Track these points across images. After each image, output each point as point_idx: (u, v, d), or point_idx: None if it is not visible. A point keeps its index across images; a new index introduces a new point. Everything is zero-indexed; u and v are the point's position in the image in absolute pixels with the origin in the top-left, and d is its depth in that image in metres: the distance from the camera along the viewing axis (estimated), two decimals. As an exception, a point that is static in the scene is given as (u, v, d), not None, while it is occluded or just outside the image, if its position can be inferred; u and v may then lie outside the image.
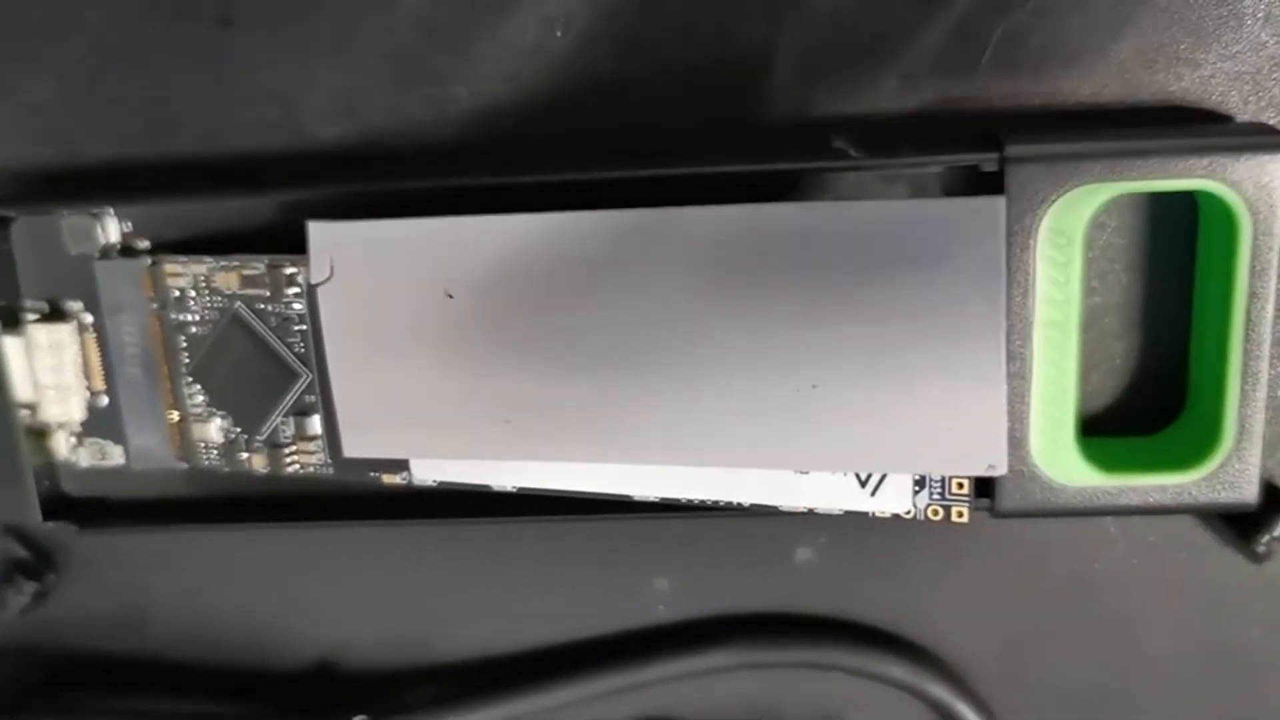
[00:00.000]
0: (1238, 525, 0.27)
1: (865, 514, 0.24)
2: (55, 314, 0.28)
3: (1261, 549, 0.27)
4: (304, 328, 0.26)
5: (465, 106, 0.26)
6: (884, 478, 0.24)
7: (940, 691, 0.29)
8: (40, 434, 0.28)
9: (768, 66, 0.26)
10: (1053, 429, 0.25)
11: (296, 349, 0.26)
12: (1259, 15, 0.25)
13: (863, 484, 0.24)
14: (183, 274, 0.26)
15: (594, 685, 0.29)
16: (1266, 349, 0.24)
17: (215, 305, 0.26)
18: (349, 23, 0.26)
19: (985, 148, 0.24)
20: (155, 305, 0.27)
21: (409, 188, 0.25)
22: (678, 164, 0.24)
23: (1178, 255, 0.26)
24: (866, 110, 0.26)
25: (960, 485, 0.24)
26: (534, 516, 0.27)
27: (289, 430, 0.27)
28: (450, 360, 0.24)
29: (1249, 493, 0.25)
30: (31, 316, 0.27)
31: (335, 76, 0.26)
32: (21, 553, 0.30)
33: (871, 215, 0.22)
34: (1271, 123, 0.25)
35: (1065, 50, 0.25)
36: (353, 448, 0.26)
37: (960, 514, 0.24)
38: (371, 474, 0.26)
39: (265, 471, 0.27)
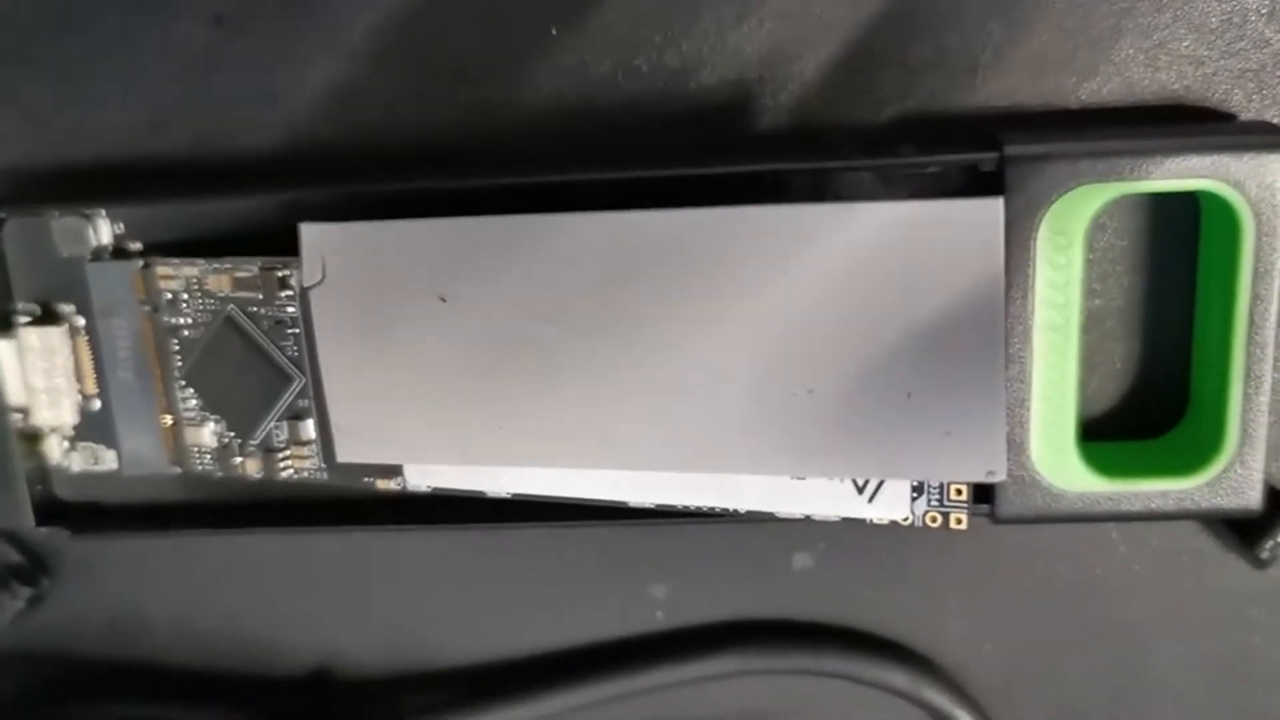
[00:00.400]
0: (1241, 531, 0.27)
1: (863, 520, 0.24)
2: (47, 316, 0.27)
3: (1265, 554, 0.27)
4: (297, 331, 0.26)
5: (458, 106, 0.26)
6: (881, 484, 0.23)
7: (939, 699, 0.28)
8: (32, 438, 0.28)
9: (767, 68, 0.25)
10: (1053, 433, 0.25)
11: (290, 352, 0.26)
12: (1263, 11, 0.24)
13: (860, 490, 0.24)
14: (175, 276, 0.26)
15: (592, 692, 0.29)
16: (1270, 352, 0.24)
17: (208, 308, 0.26)
18: (341, 22, 0.26)
19: (984, 147, 0.23)
20: (148, 308, 0.26)
21: (402, 189, 0.25)
22: (674, 166, 0.24)
23: (1180, 257, 0.26)
24: (865, 111, 0.25)
25: (959, 492, 0.23)
26: (529, 523, 0.27)
27: (283, 435, 0.26)
28: (444, 364, 0.24)
29: (1252, 498, 0.25)
30: (23, 319, 0.27)
31: (328, 76, 0.26)
32: (15, 558, 0.30)
33: (869, 217, 0.21)
34: (1275, 121, 0.25)
35: (1065, 49, 0.25)
36: (346, 452, 0.25)
37: (959, 520, 0.24)
38: (365, 479, 0.26)
39: (259, 476, 0.27)
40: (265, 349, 0.26)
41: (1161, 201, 0.25)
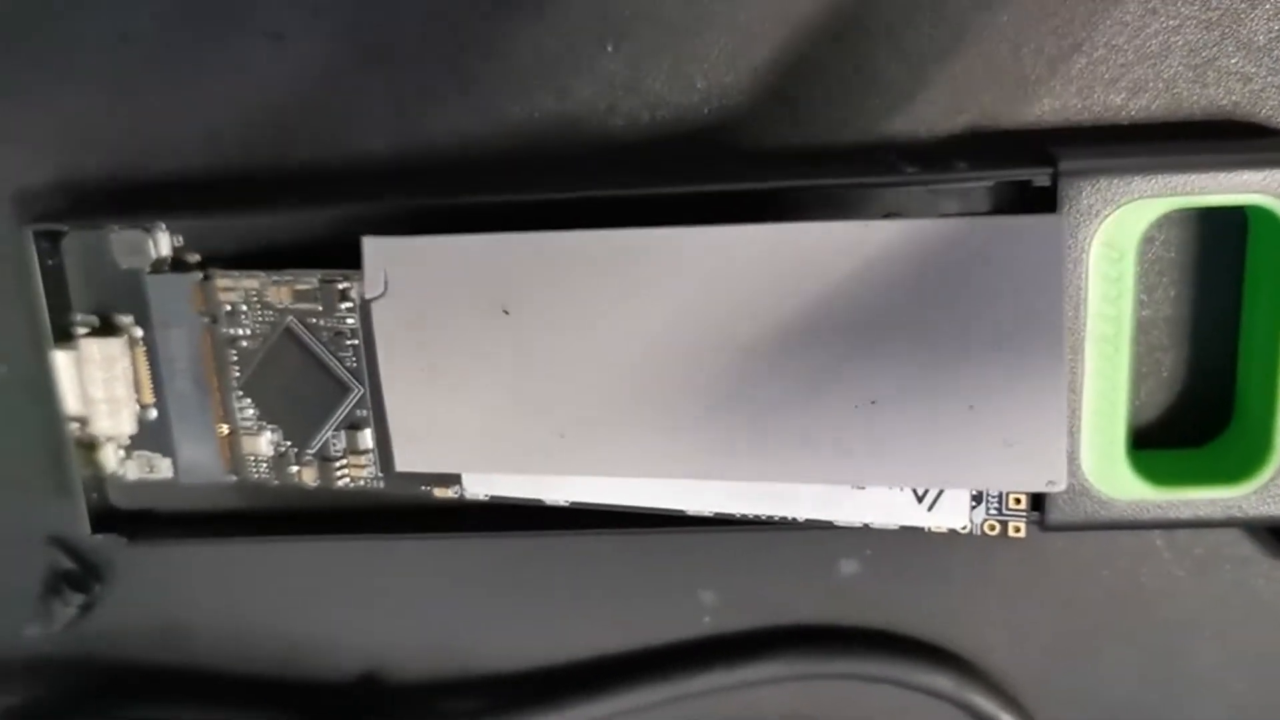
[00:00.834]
0: (1284, 538, 0.27)
1: (921, 529, 0.24)
2: (105, 327, 0.28)
3: (1308, 562, 0.27)
4: (356, 342, 0.26)
5: (515, 121, 0.26)
6: (941, 493, 0.24)
7: (985, 703, 0.29)
8: (89, 447, 0.28)
9: (822, 85, 0.26)
10: (1104, 443, 0.25)
11: (349, 363, 0.26)
12: (1310, 30, 0.25)
13: (920, 499, 0.24)
14: (234, 288, 0.26)
15: (639, 697, 0.30)
16: (1318, 362, 0.24)
17: (267, 319, 0.26)
18: (398, 37, 0.26)
19: (1037, 163, 0.24)
20: (206, 319, 0.27)
21: (461, 203, 0.25)
22: (732, 180, 0.24)
23: (1226, 268, 0.26)
24: (918, 127, 0.26)
25: (1017, 501, 0.24)
26: (582, 530, 0.27)
27: (340, 444, 0.27)
28: (505, 375, 0.24)
29: (1299, 506, 0.25)
30: (81, 330, 0.28)
31: (387, 91, 0.27)
32: (68, 565, 0.30)
33: (932, 233, 0.22)
34: (1321, 137, 0.25)
35: (1115, 65, 0.25)
36: (405, 462, 0.26)
37: (1017, 529, 0.24)
38: (423, 487, 0.27)
39: (315, 485, 0.27)
40: (324, 360, 0.26)
41: (1209, 214, 0.26)
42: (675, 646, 0.30)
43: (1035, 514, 0.25)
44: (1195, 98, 0.25)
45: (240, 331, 0.27)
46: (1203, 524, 0.26)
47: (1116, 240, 0.24)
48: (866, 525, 0.24)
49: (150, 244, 0.27)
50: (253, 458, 0.28)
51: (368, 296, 0.25)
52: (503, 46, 0.26)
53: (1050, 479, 0.22)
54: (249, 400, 0.27)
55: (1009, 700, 0.29)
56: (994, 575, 0.29)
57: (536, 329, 0.24)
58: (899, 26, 0.25)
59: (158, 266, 0.27)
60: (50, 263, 0.27)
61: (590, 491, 0.26)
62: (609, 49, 0.26)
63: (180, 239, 0.27)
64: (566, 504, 0.26)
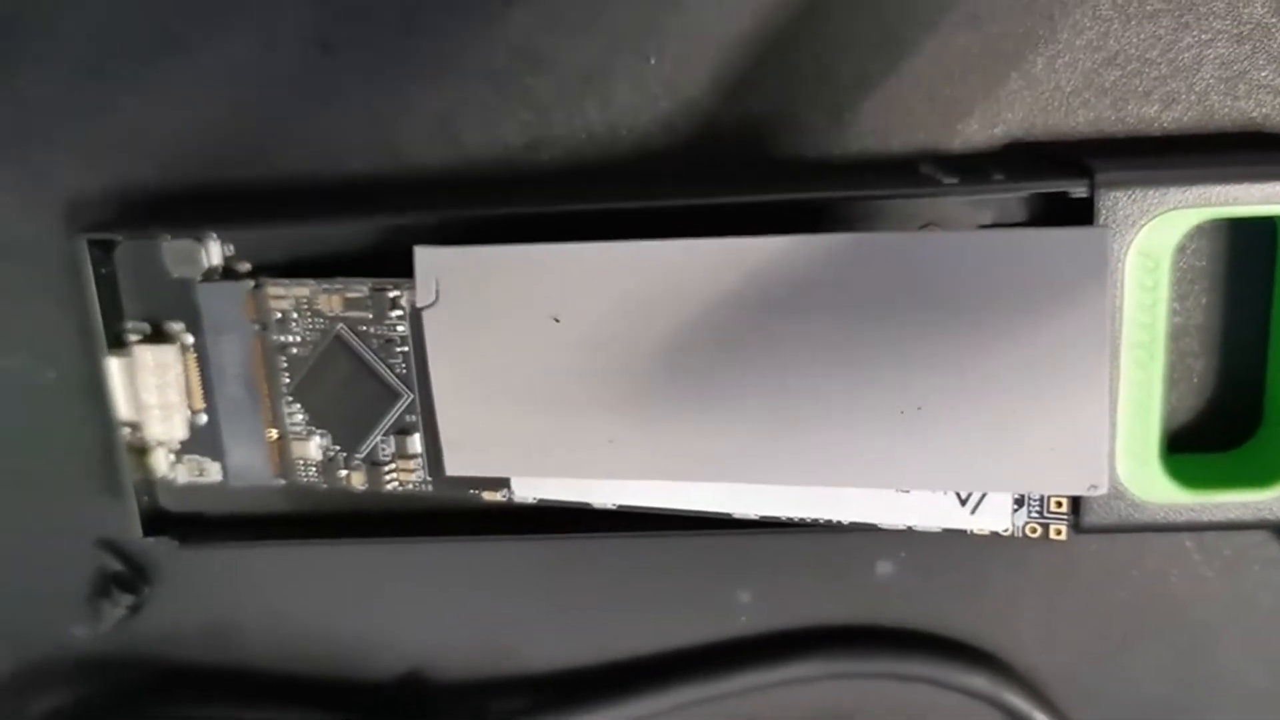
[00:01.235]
0: (1312, 540, 0.28)
1: (964, 531, 0.25)
2: (156, 335, 0.28)
3: (1336, 563, 0.28)
4: (406, 349, 0.26)
5: (562, 133, 0.27)
6: (984, 496, 0.24)
7: (1019, 701, 0.29)
8: (140, 451, 0.29)
9: (862, 98, 0.26)
10: (1138, 447, 0.26)
11: (398, 370, 0.27)
12: (1339, 42, 0.25)
13: (963, 503, 0.24)
14: (285, 296, 0.27)
15: (677, 696, 0.30)
16: (1347, 369, 0.25)
17: (317, 327, 0.27)
18: (447, 49, 0.27)
19: (1075, 175, 0.24)
20: (257, 326, 0.27)
21: (508, 213, 0.26)
22: (775, 192, 0.25)
23: (1257, 277, 0.27)
24: (955, 139, 0.26)
25: (1059, 504, 0.24)
26: (624, 533, 0.27)
27: (389, 449, 0.27)
28: (555, 382, 0.25)
29: (1327, 509, 0.26)
30: (134, 337, 0.28)
31: (435, 102, 0.27)
32: (117, 566, 0.31)
33: (979, 244, 0.22)
34: (1350, 148, 0.26)
35: (1148, 78, 0.26)
36: (455, 466, 0.26)
37: (1059, 532, 0.24)
38: (471, 491, 0.27)
39: (363, 489, 0.28)
40: (374, 367, 0.27)
41: (1239, 224, 0.26)
42: (712, 646, 0.31)
43: (1072, 517, 0.26)
44: (1227, 110, 0.26)
45: (290, 339, 0.27)
46: (1233, 526, 0.26)
47: (1151, 250, 0.25)
48: (910, 528, 0.25)
49: (202, 253, 0.27)
50: (302, 462, 0.28)
51: (419, 305, 0.25)
52: (548, 59, 0.27)
53: (1092, 483, 0.23)
54: (298, 406, 0.28)
55: (1043, 700, 0.30)
56: (1028, 577, 0.29)
57: (585, 336, 0.24)
58: (936, 40, 0.26)
59: (209, 275, 0.28)
60: (103, 271, 0.28)
61: (637, 495, 0.26)
62: (652, 61, 0.27)
63: (231, 248, 0.28)
64: (614, 507, 0.26)
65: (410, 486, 0.28)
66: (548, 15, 0.27)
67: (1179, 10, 0.25)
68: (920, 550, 0.29)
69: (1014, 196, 0.26)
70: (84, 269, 0.27)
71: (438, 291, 0.25)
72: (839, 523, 0.25)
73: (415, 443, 0.27)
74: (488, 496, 0.27)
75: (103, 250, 0.28)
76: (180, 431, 0.28)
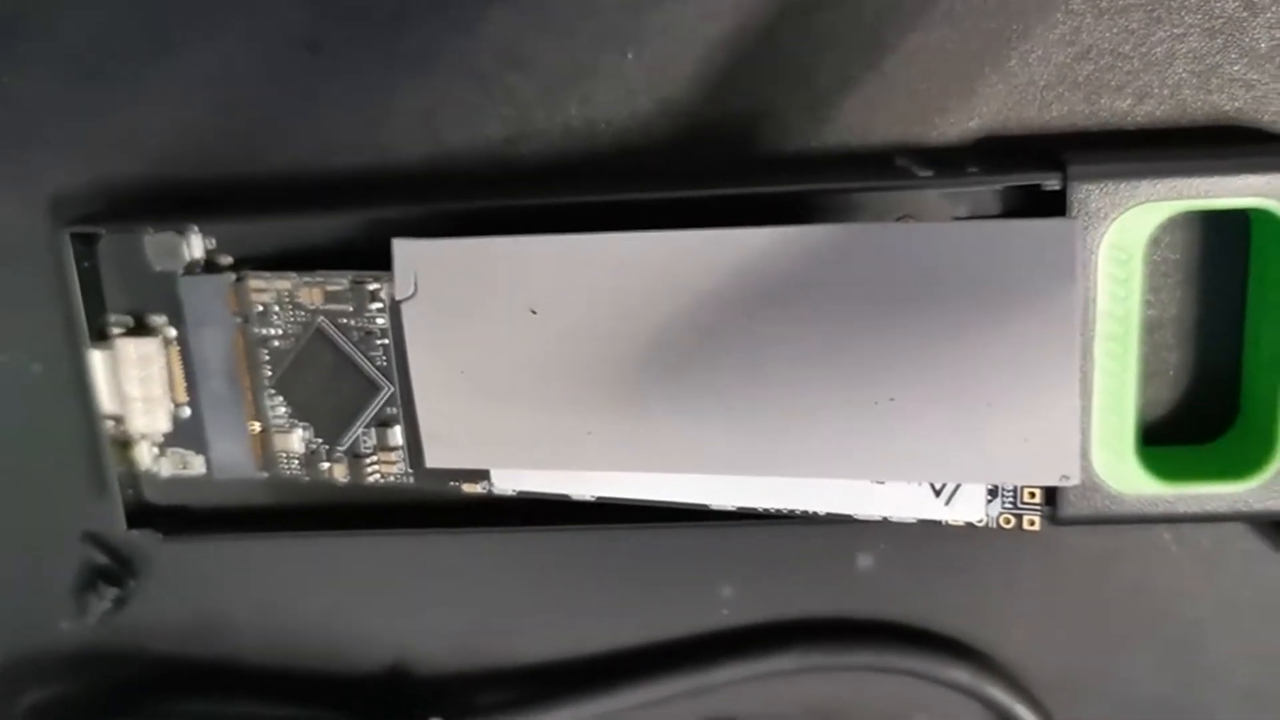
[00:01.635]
0: (1289, 532, 0.28)
1: (938, 522, 0.25)
2: (139, 328, 0.28)
3: (1314, 556, 0.28)
4: (386, 342, 0.27)
5: (542, 128, 0.27)
6: (958, 487, 0.25)
7: (1000, 695, 0.29)
8: (124, 445, 0.29)
9: (839, 92, 0.26)
10: (1113, 439, 0.26)
11: (379, 362, 0.27)
12: (1311, 37, 0.25)
13: (937, 493, 0.25)
14: (267, 290, 0.27)
15: (660, 689, 0.30)
16: (1319, 360, 0.25)
17: (299, 320, 0.27)
18: (430, 49, 0.27)
19: (1048, 167, 0.25)
20: (239, 319, 0.28)
21: (488, 206, 0.26)
22: (749, 184, 0.25)
23: (1231, 269, 0.27)
24: (930, 132, 0.27)
25: (1032, 495, 0.25)
26: (606, 525, 0.28)
27: (370, 441, 0.28)
28: (533, 374, 0.25)
29: (1303, 501, 0.26)
30: (117, 330, 0.28)
31: (418, 99, 0.27)
32: (103, 559, 0.31)
33: (950, 236, 0.22)
34: (1323, 142, 0.26)
35: (1121, 72, 0.26)
36: (435, 458, 0.26)
37: (1032, 522, 0.25)
38: (452, 483, 0.27)
39: (346, 481, 0.28)
40: (354, 359, 0.27)
41: (1213, 217, 0.27)
42: (694, 639, 0.31)
43: (1046, 508, 0.26)
44: (1200, 103, 0.26)
45: (272, 331, 0.27)
46: (1209, 518, 0.26)
47: (1124, 242, 0.25)
48: (886, 519, 0.25)
49: (184, 246, 0.28)
50: (284, 455, 0.28)
51: (398, 297, 0.26)
52: (529, 56, 0.27)
53: (1064, 473, 0.23)
54: (281, 398, 0.28)
55: (1024, 693, 0.30)
56: (1009, 570, 0.30)
57: (563, 328, 0.24)
58: (913, 36, 0.26)
59: (191, 268, 0.28)
60: (86, 264, 0.28)
61: (616, 487, 0.26)
62: (629, 57, 0.27)
63: (213, 241, 0.28)
64: (593, 499, 0.27)
65: (392, 479, 0.28)
66: (530, 13, 0.27)
67: (1151, 5, 0.25)
68: (901, 543, 0.29)
69: (988, 189, 0.26)
70: (67, 262, 0.28)
71: (416, 284, 0.25)
72: (814, 514, 0.25)
73: (396, 435, 0.27)
74: (468, 489, 0.27)
75: (86, 244, 0.28)
76: (163, 424, 0.29)
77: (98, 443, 0.29)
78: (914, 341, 0.23)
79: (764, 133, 0.27)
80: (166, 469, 0.29)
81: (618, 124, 0.27)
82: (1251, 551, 0.29)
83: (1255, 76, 0.26)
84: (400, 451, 0.27)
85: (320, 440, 0.28)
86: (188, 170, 0.28)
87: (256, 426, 0.28)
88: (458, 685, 0.32)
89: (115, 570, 0.31)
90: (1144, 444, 0.27)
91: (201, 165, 0.28)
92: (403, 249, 0.25)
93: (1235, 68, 0.26)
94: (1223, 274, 0.27)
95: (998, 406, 0.23)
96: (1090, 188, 0.24)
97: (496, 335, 0.25)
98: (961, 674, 0.29)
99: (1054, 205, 0.25)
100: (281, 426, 0.28)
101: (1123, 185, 0.24)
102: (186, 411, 0.29)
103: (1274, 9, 0.25)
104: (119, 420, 0.29)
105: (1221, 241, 0.27)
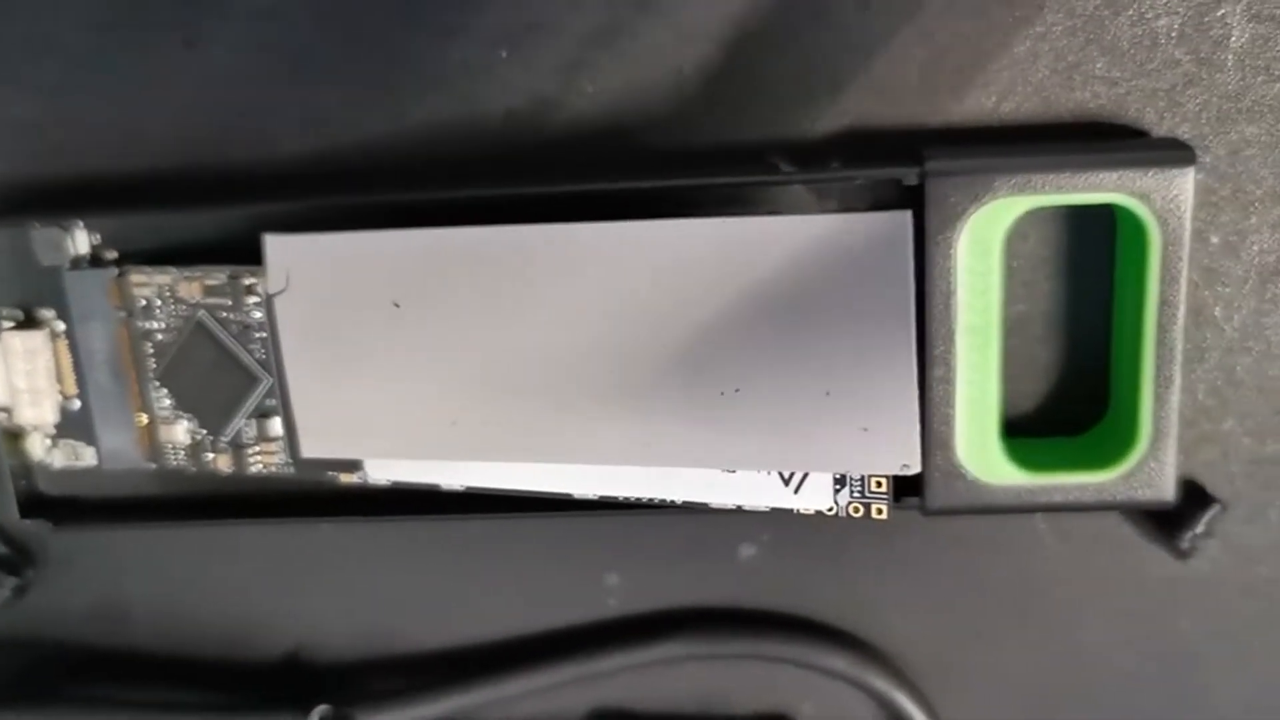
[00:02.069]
0: (1162, 523, 0.28)
1: (791, 510, 0.25)
2: (29, 321, 0.29)
3: (1185, 545, 0.28)
4: (264, 335, 0.27)
5: (418, 125, 0.28)
6: (805, 476, 0.25)
7: (881, 683, 0.30)
8: (16, 436, 0.30)
9: (702, 86, 0.27)
10: (977, 430, 0.26)
11: (257, 355, 0.27)
12: (1172, 34, 0.26)
13: (786, 482, 0.25)
14: (148, 284, 0.28)
15: (549, 676, 0.31)
16: (1178, 353, 0.25)
17: (180, 314, 0.28)
18: (309, 46, 0.27)
19: (907, 162, 0.25)
20: (123, 314, 0.28)
21: (366, 201, 0.27)
22: (613, 180, 0.25)
23: (1098, 265, 0.27)
24: (799, 130, 0.27)
25: (879, 484, 0.25)
26: (486, 514, 0.28)
27: (251, 432, 0.28)
28: (398, 366, 0.25)
29: (1166, 490, 0.26)
30: (7, 324, 0.29)
31: (296, 96, 0.28)
32: (2, 549, 0.31)
33: (788, 228, 0.23)
34: (1185, 138, 0.26)
35: (986, 70, 0.26)
36: (310, 448, 0.27)
37: (880, 511, 0.25)
38: (329, 473, 0.28)
39: (230, 471, 0.28)
40: (234, 352, 0.27)
41: (1081, 214, 0.27)
42: (582, 628, 0.31)
43: (914, 499, 0.26)
44: (1064, 101, 0.26)
45: (155, 325, 0.28)
46: (1075, 507, 0.27)
47: (983, 236, 0.25)
48: (739, 507, 0.25)
49: (69, 241, 0.28)
50: (170, 446, 0.29)
51: (271, 291, 0.26)
52: (407, 53, 0.27)
53: (904, 462, 0.23)
54: (165, 391, 0.28)
55: (904, 680, 0.30)
56: (890, 560, 0.30)
57: (425, 321, 0.25)
58: (783, 32, 0.26)
59: (77, 263, 0.28)
60: (-26, 259, 0.29)
61: (483, 477, 0.27)
62: (504, 55, 0.27)
63: (98, 236, 0.28)
64: (462, 488, 0.27)
65: (274, 469, 0.28)
66: (407, 11, 0.27)
67: (1014, 3, 0.26)
68: (784, 534, 0.30)
69: (857, 186, 0.26)
70: (-45, 257, 0.28)
71: (288, 278, 0.26)
72: (673, 502, 0.26)
73: (276, 426, 0.28)
74: (344, 479, 0.28)
75: (-27, 239, 0.28)
76: (51, 416, 0.29)
77: (-11, 434, 0.29)
78: (759, 332, 0.23)
79: (637, 129, 0.27)
80: (59, 460, 0.30)
81: (493, 121, 0.27)
82: (1124, 539, 0.29)
83: (1118, 74, 0.26)
84: (280, 442, 0.28)
85: (204, 431, 0.28)
86: (74, 165, 0.29)
87: (143, 418, 0.29)
88: (352, 672, 0.32)
89: (14, 559, 0.32)
90: (1016, 436, 0.28)
91: (88, 160, 0.29)
92: (275, 244, 0.26)
93: (1098, 65, 0.26)
94: (1091, 270, 0.27)
95: (839, 397, 0.23)
96: (947, 182, 0.25)
97: (364, 328, 0.25)
98: (840, 662, 0.29)
99: (919, 201, 0.25)
100: (167, 418, 0.29)
101: (979, 180, 0.25)
102: (76, 404, 0.29)
103: (1135, 7, 0.26)
104: (9, 412, 0.29)
105: (1089, 238, 0.27)
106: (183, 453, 0.29)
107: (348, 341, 0.26)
